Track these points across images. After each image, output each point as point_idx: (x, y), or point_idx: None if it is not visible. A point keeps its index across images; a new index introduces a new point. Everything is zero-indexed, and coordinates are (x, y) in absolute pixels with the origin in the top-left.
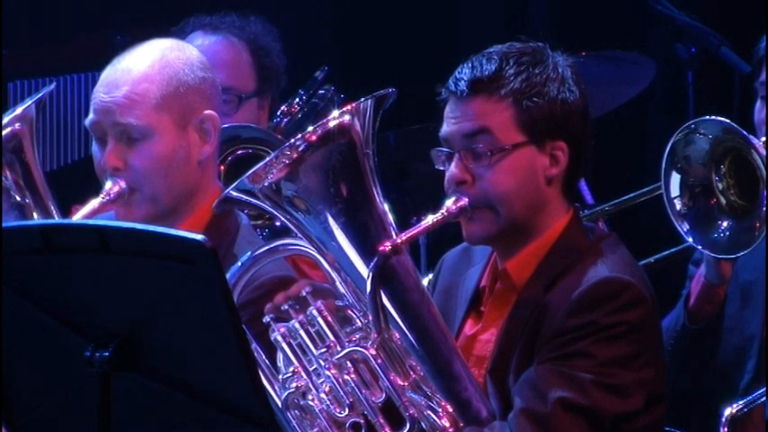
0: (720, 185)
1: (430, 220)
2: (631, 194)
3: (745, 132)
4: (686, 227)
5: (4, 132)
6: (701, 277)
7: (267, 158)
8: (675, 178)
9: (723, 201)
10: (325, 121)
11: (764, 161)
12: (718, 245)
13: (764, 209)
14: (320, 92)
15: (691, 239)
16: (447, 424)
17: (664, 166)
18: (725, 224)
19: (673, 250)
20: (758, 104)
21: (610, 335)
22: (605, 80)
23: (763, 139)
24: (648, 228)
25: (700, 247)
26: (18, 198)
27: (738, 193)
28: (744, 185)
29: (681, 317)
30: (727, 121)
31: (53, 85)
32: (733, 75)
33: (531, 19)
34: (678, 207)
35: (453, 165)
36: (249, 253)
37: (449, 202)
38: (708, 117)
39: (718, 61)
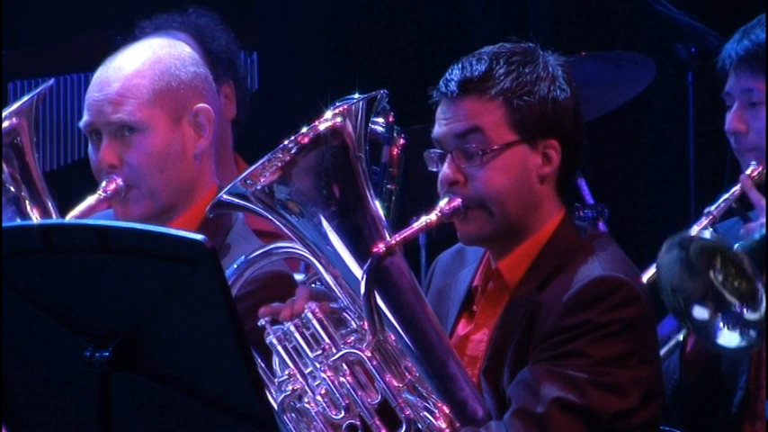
0: (720, 277)
1: (423, 221)
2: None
3: (725, 243)
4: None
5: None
6: None
7: (259, 161)
8: (700, 311)
9: (728, 292)
10: (316, 123)
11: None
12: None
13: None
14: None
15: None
16: (443, 425)
17: (684, 325)
18: (737, 307)
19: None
20: (726, 116)
21: (605, 333)
22: (605, 80)
23: (748, 171)
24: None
25: (738, 342)
26: (13, 190)
27: (739, 278)
28: (741, 273)
29: (676, 368)
30: (706, 236)
31: (52, 81)
32: None
33: (531, 19)
34: (721, 325)
35: (446, 165)
36: (243, 257)
37: (442, 203)
38: (691, 236)
39: (718, 61)
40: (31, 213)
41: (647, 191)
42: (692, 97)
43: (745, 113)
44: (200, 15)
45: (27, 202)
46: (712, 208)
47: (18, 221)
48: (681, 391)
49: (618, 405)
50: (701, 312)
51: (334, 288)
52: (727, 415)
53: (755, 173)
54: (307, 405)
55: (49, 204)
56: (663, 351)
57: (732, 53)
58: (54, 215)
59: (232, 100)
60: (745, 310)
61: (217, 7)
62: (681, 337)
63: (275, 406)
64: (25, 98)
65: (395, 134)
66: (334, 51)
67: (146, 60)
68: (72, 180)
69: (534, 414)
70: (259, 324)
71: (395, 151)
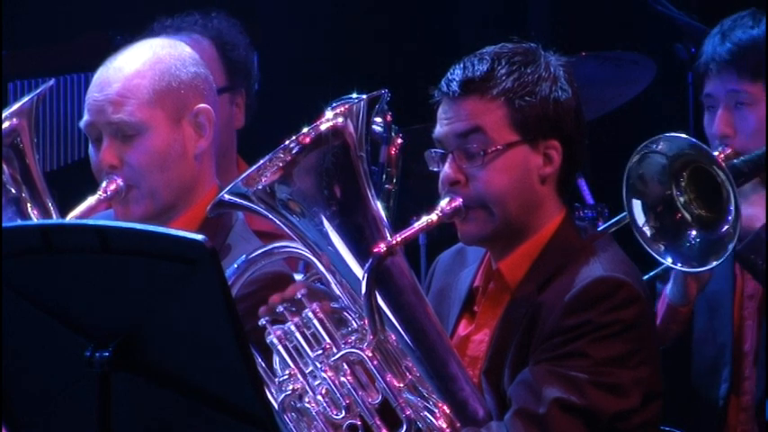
0: (682, 199)
1: (424, 220)
2: (601, 227)
3: (702, 145)
4: (661, 248)
5: (2, 127)
6: (665, 298)
7: (261, 161)
8: (637, 204)
9: (687, 214)
10: (318, 123)
11: (725, 172)
12: (691, 258)
13: (732, 217)
14: (373, 128)
15: (669, 260)
16: (444, 425)
17: (624, 194)
18: (694, 237)
19: (652, 273)
20: (706, 117)
21: (605, 334)
22: (605, 80)
23: (716, 152)
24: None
25: (678, 266)
26: (14, 191)
27: (702, 204)
28: (707, 197)
29: None
30: (683, 136)
31: (52, 81)
32: None
33: (531, 19)
34: (648, 233)
35: (447, 165)
36: (244, 256)
37: (443, 203)
38: (663, 135)
39: (698, 64)
40: (31, 214)
41: None
42: (692, 97)
43: (731, 116)
44: (223, 20)
45: (28, 202)
46: None
47: (18, 222)
48: None
49: (618, 405)
50: (639, 212)
51: (335, 288)
52: (714, 407)
53: (723, 155)
54: (307, 405)
55: (50, 205)
56: None
57: (716, 56)
58: (54, 215)
59: (242, 109)
60: (695, 234)
61: (217, 7)
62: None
63: (276, 405)
64: (25, 99)
65: (393, 134)
66: (334, 51)
67: (146, 61)
68: (72, 180)
69: (535, 414)
70: (260, 324)
71: (393, 151)
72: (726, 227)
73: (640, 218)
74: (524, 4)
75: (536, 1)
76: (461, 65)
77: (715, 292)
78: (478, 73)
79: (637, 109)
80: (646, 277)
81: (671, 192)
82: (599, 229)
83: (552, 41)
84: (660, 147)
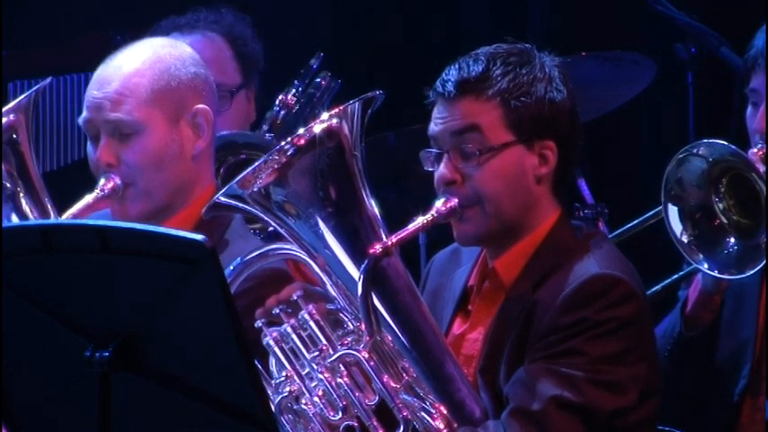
0: (721, 205)
1: (420, 221)
2: (634, 222)
3: (743, 153)
4: (700, 256)
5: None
6: (698, 284)
7: (256, 163)
8: (673, 211)
9: (726, 221)
10: (312, 124)
11: (763, 178)
12: (729, 266)
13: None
14: (316, 80)
15: (706, 266)
16: (441, 425)
17: (662, 199)
18: (732, 244)
19: (680, 274)
20: (749, 111)
21: (601, 331)
22: (605, 80)
23: (754, 149)
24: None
25: (715, 273)
26: (9, 186)
27: (740, 212)
28: (745, 204)
29: (677, 323)
30: (724, 142)
31: (49, 79)
32: (733, 75)
33: (530, 19)
34: (685, 239)
35: (442, 165)
36: (240, 258)
37: (438, 203)
38: (703, 140)
39: (718, 61)
40: (27, 210)
41: (647, 191)
42: (692, 97)
43: None
44: (230, 15)
45: (24, 199)
46: None
47: (15, 219)
48: (681, 346)
49: (615, 403)
50: (675, 219)
51: (331, 289)
52: (728, 403)
53: (761, 152)
54: (304, 406)
55: (47, 201)
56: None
57: (764, 51)
58: (51, 212)
59: (253, 103)
60: (733, 242)
61: (216, 5)
62: (681, 295)
63: (272, 407)
64: (23, 96)
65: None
66: (333, 51)
67: (146, 59)
68: (72, 180)
69: (532, 413)
70: (256, 326)
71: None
72: (764, 235)
73: (677, 225)
74: (524, 4)
75: (536, 1)
76: (456, 65)
77: (742, 285)
78: (474, 73)
79: (637, 109)
80: (669, 280)
81: (710, 197)
82: (632, 224)
83: (552, 41)
84: (701, 151)
